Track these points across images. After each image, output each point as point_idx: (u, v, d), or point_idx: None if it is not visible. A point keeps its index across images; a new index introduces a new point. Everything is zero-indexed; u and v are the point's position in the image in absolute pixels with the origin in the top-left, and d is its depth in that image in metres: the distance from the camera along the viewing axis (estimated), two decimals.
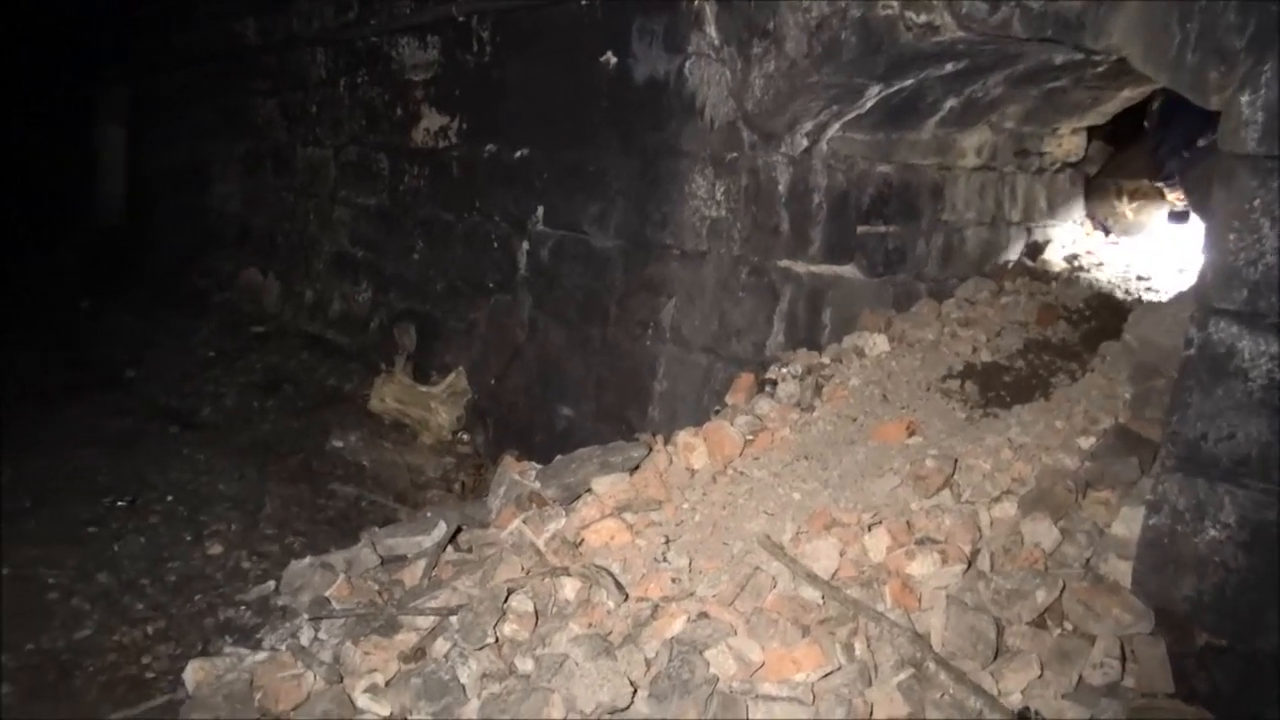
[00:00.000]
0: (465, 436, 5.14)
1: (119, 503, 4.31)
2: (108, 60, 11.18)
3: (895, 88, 3.65)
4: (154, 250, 10.17)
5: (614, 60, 4.28)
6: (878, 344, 3.94)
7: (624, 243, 4.31)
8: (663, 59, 4.04)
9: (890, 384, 3.67)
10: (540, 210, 4.82)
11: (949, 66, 3.52)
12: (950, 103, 3.95)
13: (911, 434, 3.21)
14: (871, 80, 3.54)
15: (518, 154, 4.96)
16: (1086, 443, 2.98)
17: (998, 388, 3.55)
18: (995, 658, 2.37)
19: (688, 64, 3.94)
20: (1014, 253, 4.66)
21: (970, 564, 2.64)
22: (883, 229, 4.17)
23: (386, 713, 2.63)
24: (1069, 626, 2.48)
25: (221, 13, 8.29)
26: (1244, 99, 2.31)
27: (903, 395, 3.58)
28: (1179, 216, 4.61)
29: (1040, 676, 2.32)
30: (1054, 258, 4.65)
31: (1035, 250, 4.70)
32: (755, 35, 3.64)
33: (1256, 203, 2.28)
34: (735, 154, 3.82)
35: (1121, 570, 2.56)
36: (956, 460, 2.96)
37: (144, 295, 9.12)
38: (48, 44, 12.37)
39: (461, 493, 4.52)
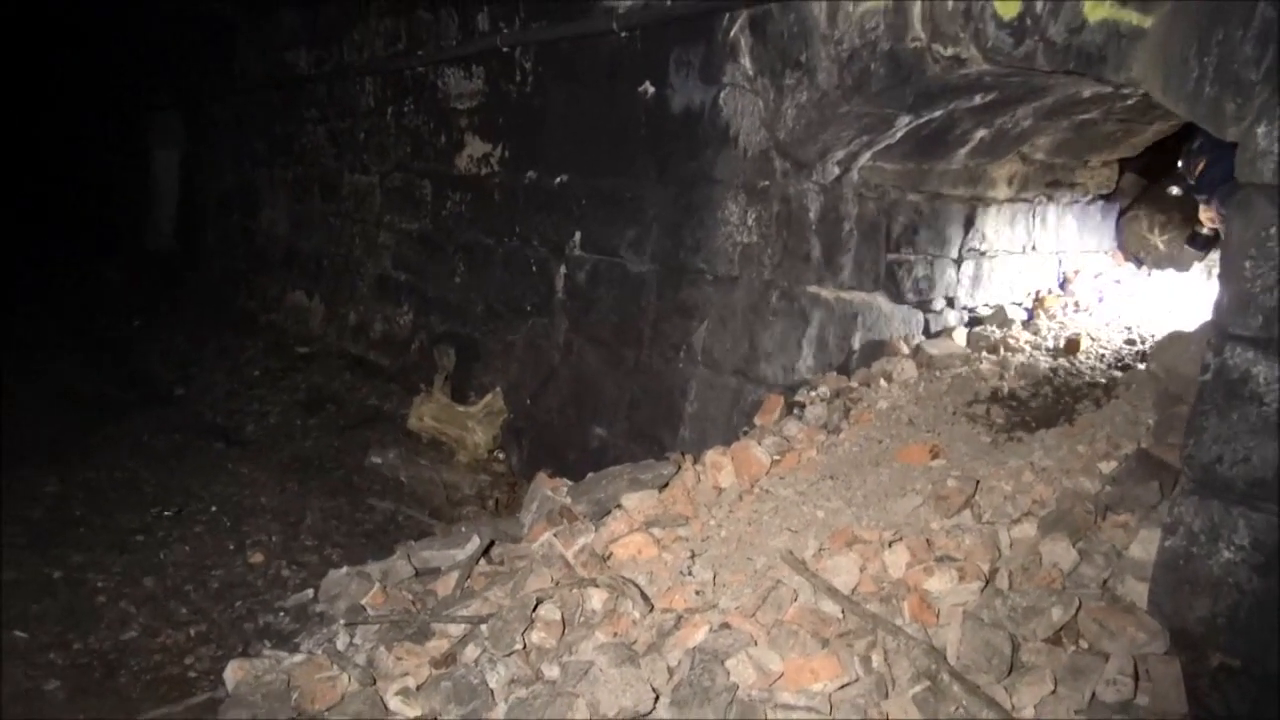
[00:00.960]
0: (501, 455, 5.24)
1: (165, 513, 4.45)
2: (164, 86, 11.51)
3: (925, 118, 3.73)
4: (204, 272, 10.43)
5: (652, 90, 4.40)
6: (906, 369, 4.00)
7: (658, 267, 4.41)
8: (699, 89, 4.15)
9: (917, 408, 3.73)
10: (578, 235, 4.94)
11: (977, 99, 3.59)
12: (980, 134, 4.02)
13: (935, 456, 3.27)
14: (901, 110, 3.63)
15: (557, 180, 5.09)
16: (1108, 467, 3.03)
17: (1023, 413, 3.60)
18: (1009, 673, 2.41)
19: (722, 94, 4.04)
20: (1045, 282, 4.71)
21: (988, 582, 2.69)
22: (913, 256, 4.25)
23: (417, 714, 2.72)
24: (1084, 645, 2.52)
25: (275, 42, 8.56)
26: (1260, 130, 2.36)
27: (928, 419, 3.63)
28: (1202, 242, 4.51)
29: (1054, 692, 2.36)
30: (1084, 288, 4.69)
31: (1065, 280, 4.75)
32: (788, 66, 3.74)
33: (1273, 230, 2.32)
34: (767, 182, 3.91)
35: (1139, 591, 2.60)
36: (978, 482, 3.01)
37: (194, 315, 9.35)
38: (108, 69, 12.78)
39: (495, 509, 4.63)
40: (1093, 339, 4.19)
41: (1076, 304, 4.57)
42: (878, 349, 4.18)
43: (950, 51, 3.16)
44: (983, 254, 4.44)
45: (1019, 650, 2.48)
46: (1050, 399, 3.70)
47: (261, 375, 7.19)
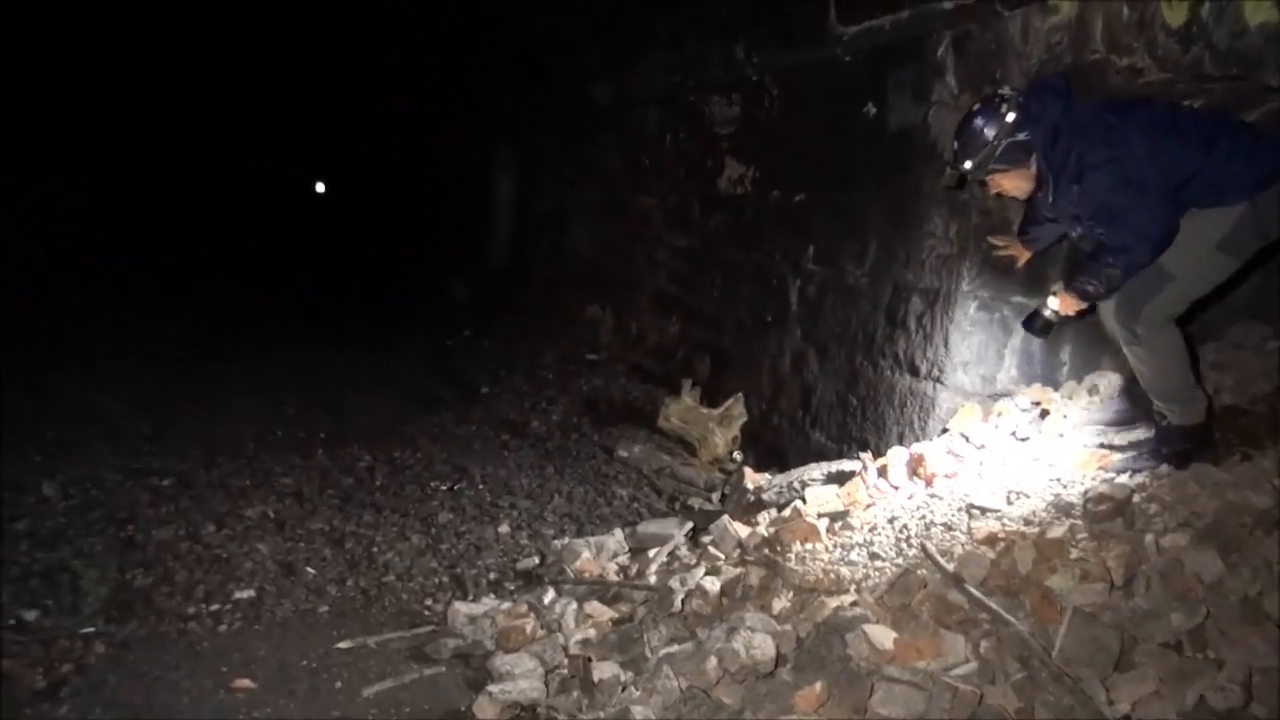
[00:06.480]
0: (738, 455, 5.60)
1: (442, 487, 5.24)
2: (506, 120, 12.86)
3: None
4: (525, 287, 11.59)
5: (873, 111, 4.61)
6: (1114, 383, 3.94)
7: (872, 279, 4.60)
8: (911, 108, 4.32)
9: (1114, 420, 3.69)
10: (811, 249, 5.22)
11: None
12: None
13: (1103, 466, 3.26)
14: None
15: (796, 199, 5.40)
16: None
17: (1227, 429, 3.47)
18: (1114, 670, 2.46)
19: (931, 112, 4.19)
20: None
21: (1121, 585, 2.71)
22: None
23: (589, 656, 3.16)
24: (1210, 654, 2.50)
25: (583, 77, 9.43)
26: None
27: (1122, 431, 3.59)
28: (1043, 326, 3.38)
29: (1156, 692, 2.39)
30: None
31: None
32: (986, 82, 3.84)
33: None
34: (967, 195, 4.01)
35: None
36: (1132, 491, 3.00)
37: (511, 325, 10.46)
38: (466, 106, 14.46)
39: (720, 501, 4.99)
40: None
41: None
42: (1091, 362, 4.12)
43: (1126, 61, 3.18)
44: None
45: (1131, 651, 2.51)
46: (1263, 415, 3.53)
47: (554, 378, 8.02)
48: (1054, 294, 3.30)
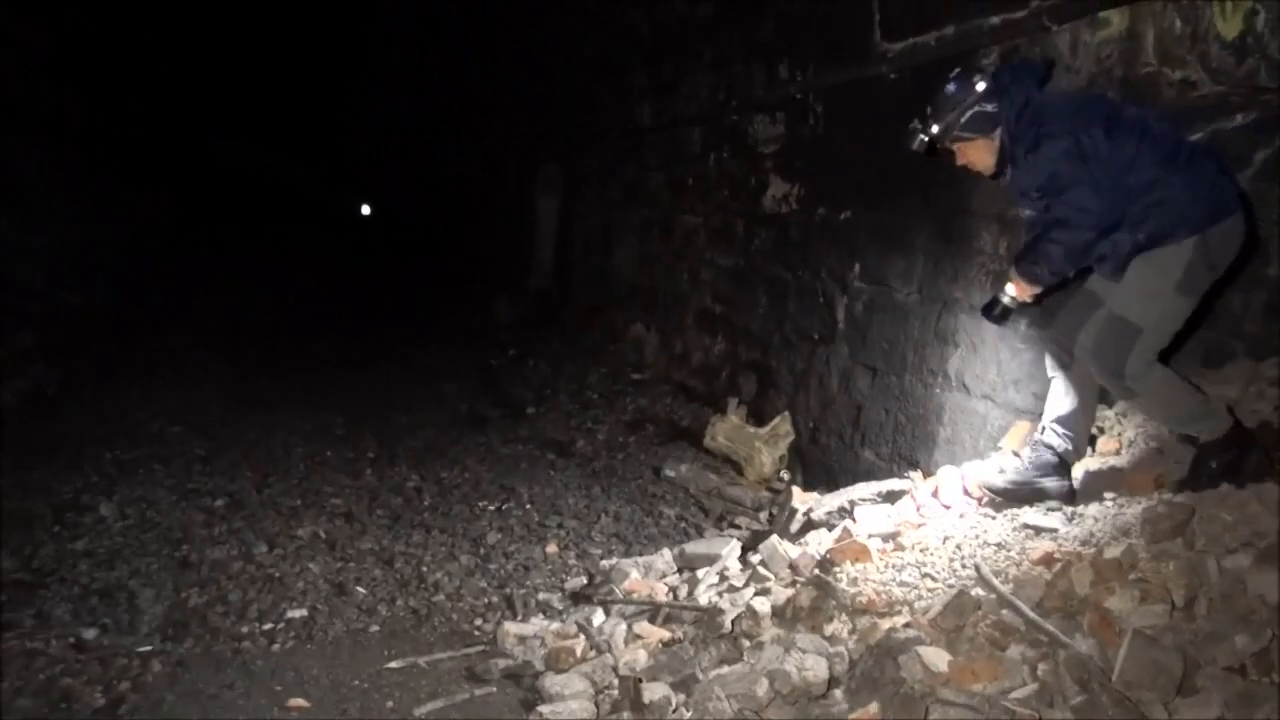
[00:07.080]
0: (785, 475, 5.58)
1: (490, 507, 5.27)
2: (548, 140, 12.95)
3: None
4: (569, 307, 11.65)
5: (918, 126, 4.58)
6: None
7: (921, 296, 4.57)
8: None
9: (1170, 437, 3.63)
10: (858, 267, 5.19)
11: (1239, 119, 3.46)
12: (1260, 155, 3.81)
13: (1160, 486, 3.21)
14: None
15: (842, 216, 5.38)
16: None
17: None
18: (1177, 694, 2.41)
19: None
20: None
21: (1183, 607, 2.66)
22: None
23: (639, 677, 3.15)
24: (1275, 678, 2.44)
25: (627, 98, 9.49)
26: None
27: (1178, 449, 3.53)
28: (1001, 313, 3.47)
29: (1220, 717, 2.34)
30: None
31: None
32: None
33: None
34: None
35: None
36: (1194, 510, 2.94)
37: (557, 346, 10.51)
38: (507, 127, 14.60)
39: (768, 521, 4.96)
40: None
41: None
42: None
43: (1179, 75, 3.15)
44: (1277, 280, 4.15)
45: (1195, 675, 2.46)
46: None
47: (599, 398, 8.04)
48: (1010, 280, 3.36)
